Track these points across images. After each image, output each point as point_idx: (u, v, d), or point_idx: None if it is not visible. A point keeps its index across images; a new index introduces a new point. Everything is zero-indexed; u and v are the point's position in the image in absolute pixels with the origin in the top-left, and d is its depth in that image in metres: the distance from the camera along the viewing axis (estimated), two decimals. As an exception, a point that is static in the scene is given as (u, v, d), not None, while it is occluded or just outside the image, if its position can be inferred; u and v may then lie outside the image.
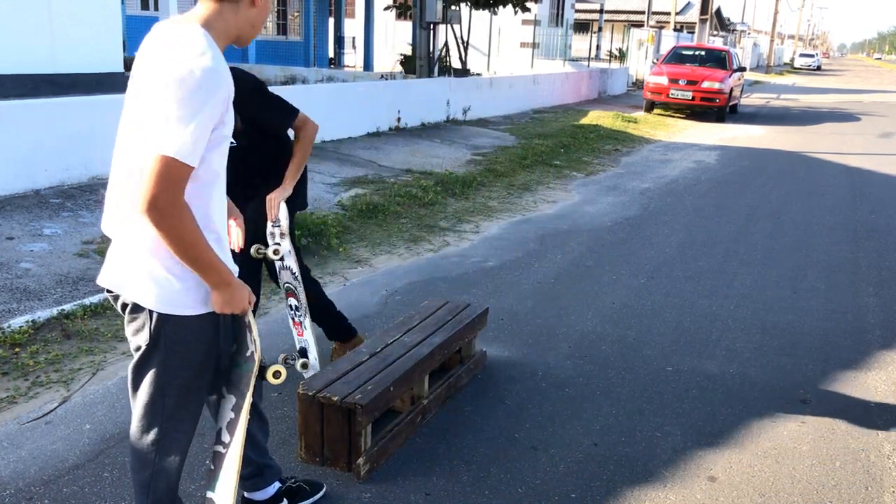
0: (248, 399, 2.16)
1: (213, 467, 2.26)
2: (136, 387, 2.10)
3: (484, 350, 3.98)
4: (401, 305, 4.77)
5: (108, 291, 2.10)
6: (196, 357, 2.07)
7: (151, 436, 2.12)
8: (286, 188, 3.28)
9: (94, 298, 4.44)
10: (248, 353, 2.18)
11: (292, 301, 3.56)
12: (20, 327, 3.99)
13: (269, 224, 3.34)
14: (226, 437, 2.22)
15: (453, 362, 3.74)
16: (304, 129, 3.32)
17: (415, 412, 3.26)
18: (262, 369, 2.15)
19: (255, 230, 3.32)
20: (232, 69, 3.62)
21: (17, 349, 3.80)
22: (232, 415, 2.21)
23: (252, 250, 3.23)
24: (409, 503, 2.79)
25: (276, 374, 2.17)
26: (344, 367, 3.14)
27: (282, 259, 3.38)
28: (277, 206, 3.27)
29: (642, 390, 3.76)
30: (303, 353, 3.60)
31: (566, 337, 4.39)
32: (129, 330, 2.07)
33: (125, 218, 1.98)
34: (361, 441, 2.90)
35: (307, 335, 3.56)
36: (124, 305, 2.04)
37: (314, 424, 2.95)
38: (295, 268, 3.42)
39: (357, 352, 3.33)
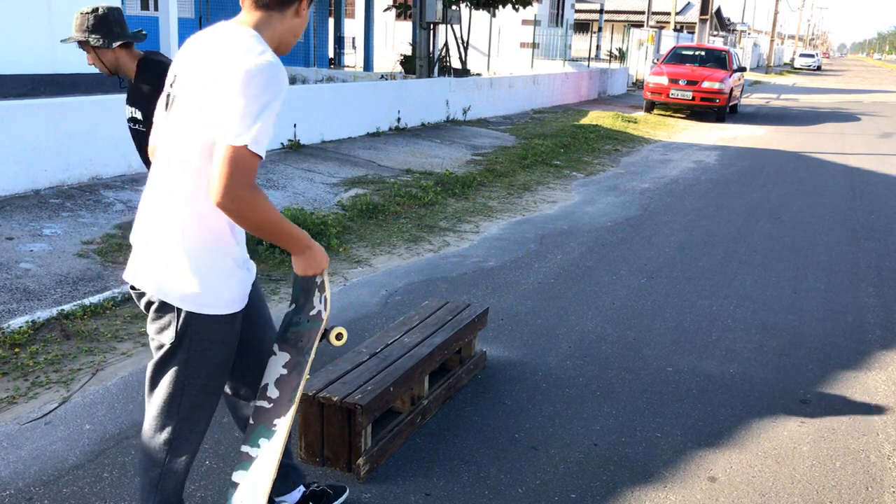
0: (311, 357, 2.21)
1: (252, 422, 2.26)
2: (153, 385, 2.11)
3: (484, 350, 3.98)
4: (401, 305, 4.77)
5: (132, 288, 2.11)
6: (218, 357, 2.09)
7: (164, 435, 2.13)
8: None
9: (94, 298, 4.44)
10: (314, 313, 2.23)
11: None
12: (20, 327, 3.99)
13: None
14: (272, 393, 2.23)
15: (453, 362, 3.74)
16: None
17: (415, 412, 3.26)
18: (325, 331, 2.21)
19: None
20: (156, 54, 3.68)
21: (16, 349, 3.80)
22: (284, 371, 2.24)
23: None
24: (409, 503, 2.79)
25: (339, 336, 2.25)
26: (344, 367, 3.14)
27: None
28: None
29: (642, 390, 3.76)
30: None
31: (566, 337, 4.40)
32: (152, 328, 2.08)
33: (159, 216, 2.03)
34: (361, 441, 2.90)
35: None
36: (149, 303, 2.05)
37: (314, 424, 2.95)
38: None
39: (357, 352, 3.33)
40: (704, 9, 28.88)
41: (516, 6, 18.18)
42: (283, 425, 2.19)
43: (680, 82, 17.00)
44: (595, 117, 15.46)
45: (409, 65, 17.41)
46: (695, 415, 3.54)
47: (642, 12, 33.65)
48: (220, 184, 1.83)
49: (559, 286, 5.29)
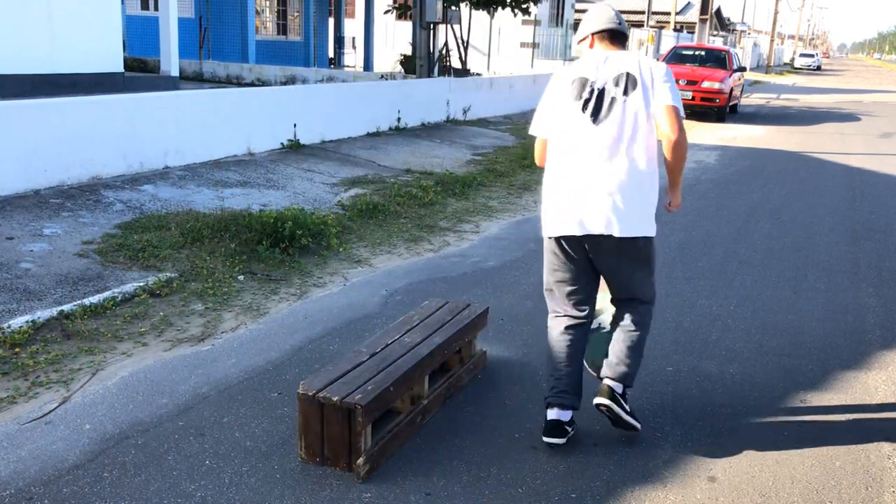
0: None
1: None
2: (633, 279, 3.24)
3: (484, 350, 3.98)
4: (401, 305, 4.77)
5: (588, 236, 3.09)
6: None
7: (651, 296, 3.34)
8: None
9: (94, 298, 4.44)
10: None
11: None
12: (20, 327, 3.99)
13: None
14: None
15: (453, 362, 3.74)
16: None
17: (415, 412, 3.25)
18: None
19: None
20: None
21: (17, 349, 3.80)
22: None
23: None
24: (409, 503, 2.79)
25: None
26: (344, 367, 3.14)
27: None
28: None
29: (642, 390, 3.76)
30: None
31: (566, 337, 4.38)
32: (624, 255, 3.14)
33: (627, 181, 3.05)
34: (361, 441, 2.90)
35: None
36: (618, 240, 3.07)
37: (314, 424, 2.95)
38: None
39: (357, 352, 3.33)
40: (704, 9, 28.91)
41: (515, 10, 18.17)
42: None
43: (680, 82, 16.97)
44: (595, 117, 15.43)
45: (409, 65, 17.40)
46: (695, 415, 3.54)
47: (642, 12, 33.64)
48: (674, 126, 3.05)
49: (559, 286, 5.28)
